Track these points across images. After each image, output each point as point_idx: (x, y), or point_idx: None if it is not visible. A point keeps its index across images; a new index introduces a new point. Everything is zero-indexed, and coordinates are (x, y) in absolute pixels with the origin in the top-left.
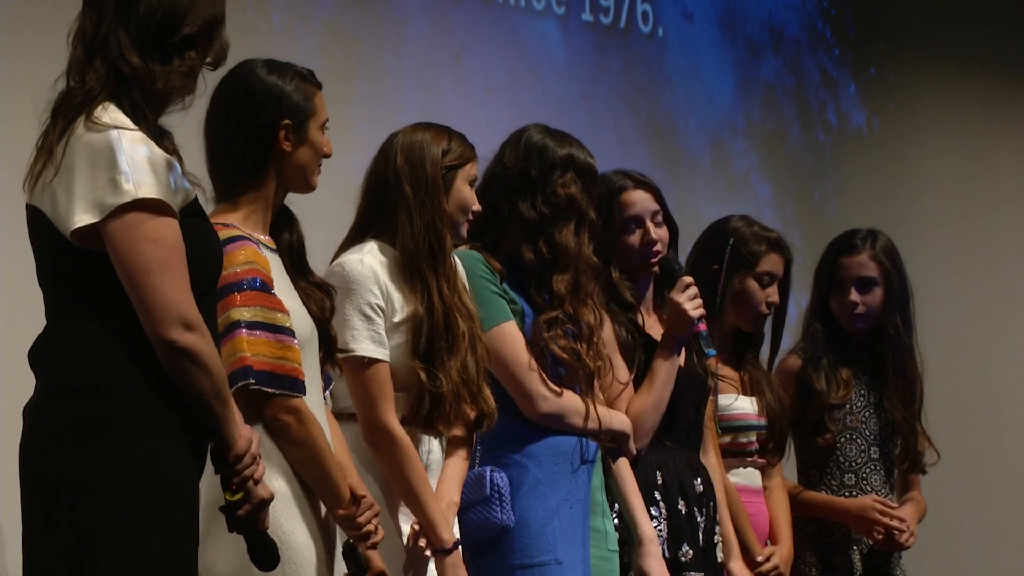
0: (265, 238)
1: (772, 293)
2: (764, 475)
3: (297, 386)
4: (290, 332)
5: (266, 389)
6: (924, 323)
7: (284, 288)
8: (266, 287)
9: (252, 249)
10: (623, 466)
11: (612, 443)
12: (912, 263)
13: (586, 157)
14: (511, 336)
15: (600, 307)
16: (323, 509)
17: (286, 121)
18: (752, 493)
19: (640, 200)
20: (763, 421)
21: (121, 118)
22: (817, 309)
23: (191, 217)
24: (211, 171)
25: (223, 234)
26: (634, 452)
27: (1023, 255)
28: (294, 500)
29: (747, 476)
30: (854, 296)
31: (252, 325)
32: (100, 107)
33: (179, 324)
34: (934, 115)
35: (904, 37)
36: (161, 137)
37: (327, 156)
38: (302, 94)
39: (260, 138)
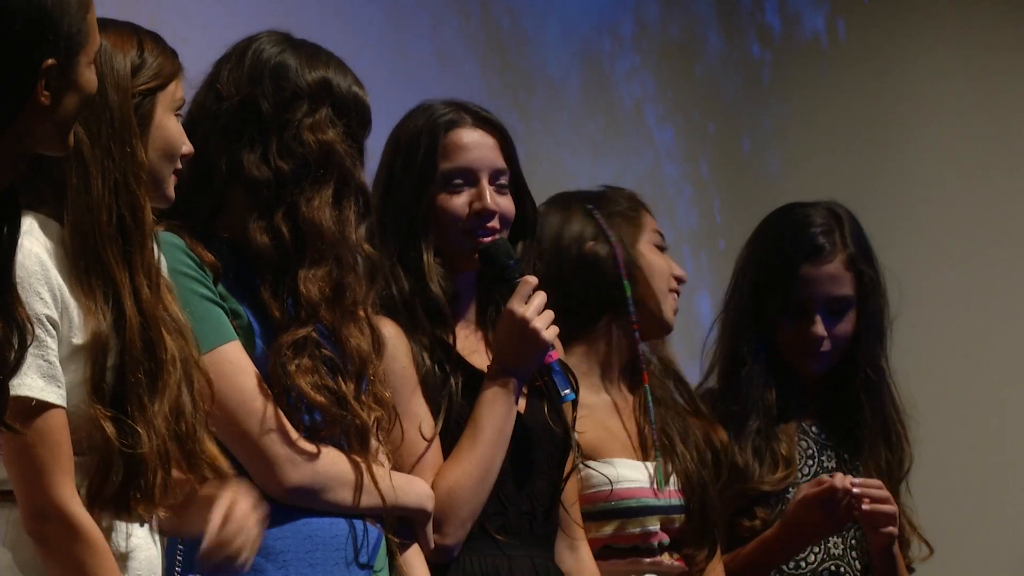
0: None
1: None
2: None
3: None
4: None
5: None
6: (911, 338)
7: None
8: None
9: None
10: (414, 561)
11: (398, 536)
12: (896, 246)
13: (351, 85)
14: (234, 366)
15: (376, 323)
16: None
17: (50, 62)
18: None
19: (477, 145)
20: (674, 500)
21: None
22: (754, 338)
23: None
24: None
25: None
26: (431, 543)
27: None
28: None
29: None
30: (820, 328)
31: None
32: None
33: None
34: (932, 16)
35: None
36: None
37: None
38: (76, 15)
39: (7, 84)
